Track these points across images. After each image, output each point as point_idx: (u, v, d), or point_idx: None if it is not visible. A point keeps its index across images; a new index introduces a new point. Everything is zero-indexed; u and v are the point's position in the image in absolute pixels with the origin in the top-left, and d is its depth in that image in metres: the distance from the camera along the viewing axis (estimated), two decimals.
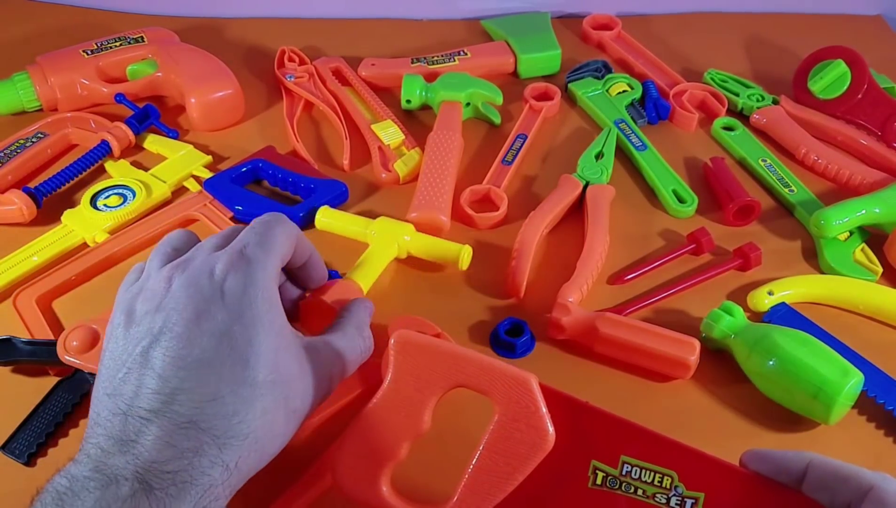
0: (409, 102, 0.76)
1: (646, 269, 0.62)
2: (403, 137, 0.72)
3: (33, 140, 0.70)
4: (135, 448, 0.34)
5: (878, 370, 0.54)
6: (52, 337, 0.55)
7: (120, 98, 0.75)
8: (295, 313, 0.49)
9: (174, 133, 0.73)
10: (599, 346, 0.55)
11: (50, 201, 0.66)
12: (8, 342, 0.53)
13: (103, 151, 0.70)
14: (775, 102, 0.78)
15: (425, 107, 0.77)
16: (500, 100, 0.76)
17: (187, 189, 0.68)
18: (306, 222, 0.65)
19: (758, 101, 0.77)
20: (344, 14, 0.92)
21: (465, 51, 0.83)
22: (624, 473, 0.39)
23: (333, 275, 0.57)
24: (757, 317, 0.58)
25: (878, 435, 0.52)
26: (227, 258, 0.40)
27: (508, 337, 0.55)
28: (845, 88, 0.75)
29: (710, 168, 0.70)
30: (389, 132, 0.72)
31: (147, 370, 0.36)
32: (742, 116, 0.78)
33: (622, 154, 0.73)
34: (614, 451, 0.39)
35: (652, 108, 0.77)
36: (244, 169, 0.68)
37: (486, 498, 0.40)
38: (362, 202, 0.68)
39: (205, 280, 0.38)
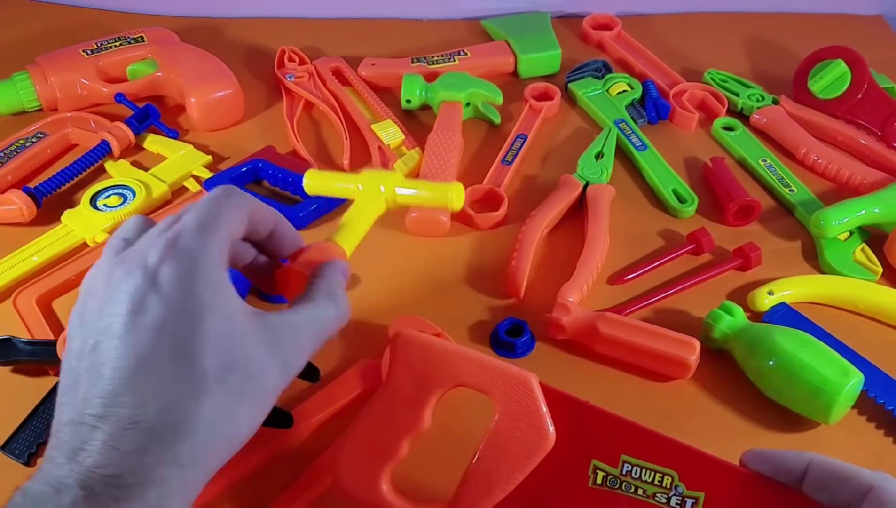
0: (409, 102, 0.76)
1: (646, 269, 0.62)
2: (403, 137, 0.72)
3: (33, 140, 0.70)
4: (79, 456, 0.32)
5: (878, 370, 0.54)
6: (52, 337, 0.55)
7: (120, 98, 0.75)
8: (273, 285, 0.47)
9: (174, 133, 0.73)
10: (599, 346, 0.55)
11: (50, 201, 0.66)
12: (8, 342, 0.53)
13: (103, 151, 0.70)
14: (775, 102, 0.78)
15: (425, 107, 0.77)
16: (500, 100, 0.76)
17: (187, 189, 0.68)
18: (306, 223, 0.65)
19: (758, 101, 0.77)
20: (344, 14, 0.92)
21: (465, 51, 0.83)
22: (624, 472, 0.39)
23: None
24: (757, 317, 0.58)
25: (878, 435, 0.52)
26: (162, 245, 0.37)
27: (508, 337, 0.55)
28: (845, 88, 0.75)
29: (710, 168, 0.70)
30: (389, 132, 0.72)
31: (93, 374, 0.35)
32: (742, 116, 0.78)
33: (622, 154, 0.73)
34: (615, 450, 0.39)
35: (652, 108, 0.77)
36: (244, 169, 0.68)
37: (486, 497, 0.40)
38: None
39: (138, 272, 0.36)
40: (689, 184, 0.69)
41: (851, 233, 0.64)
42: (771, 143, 0.75)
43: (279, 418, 0.49)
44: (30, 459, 0.48)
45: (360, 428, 0.43)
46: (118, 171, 0.69)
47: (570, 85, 0.80)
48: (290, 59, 0.81)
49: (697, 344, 0.53)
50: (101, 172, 0.70)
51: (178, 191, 0.68)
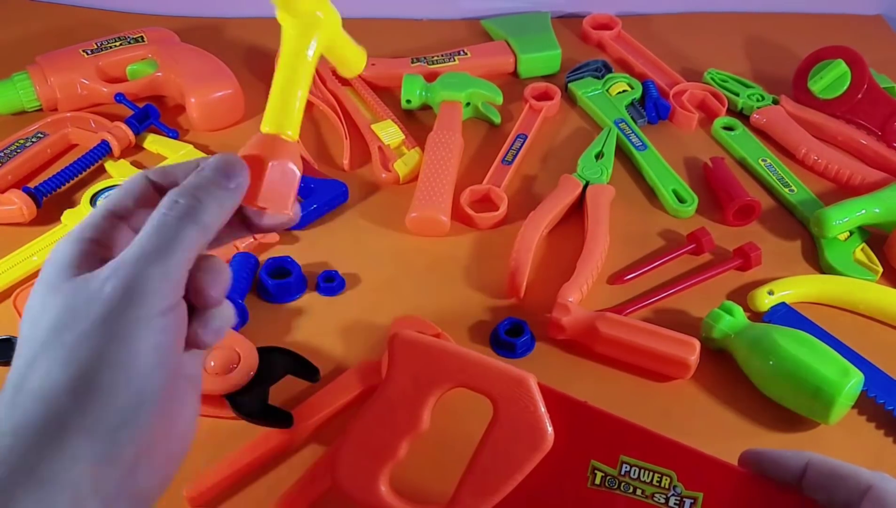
0: (409, 101, 0.76)
1: (646, 269, 0.62)
2: (403, 136, 0.72)
3: (33, 140, 0.70)
4: None
5: (878, 370, 0.54)
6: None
7: (120, 98, 0.75)
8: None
9: (174, 133, 0.73)
10: (599, 346, 0.55)
11: (50, 201, 0.66)
12: (8, 342, 0.53)
13: (103, 151, 0.70)
14: (775, 102, 0.78)
15: (425, 107, 0.77)
16: (500, 100, 0.76)
17: None
18: (305, 223, 0.65)
19: (758, 101, 0.77)
20: (344, 14, 0.91)
21: (465, 51, 0.83)
22: (623, 473, 0.39)
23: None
24: (757, 317, 0.58)
25: (878, 435, 0.52)
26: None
27: (508, 337, 0.55)
28: (845, 88, 0.75)
29: (710, 168, 0.70)
30: (389, 132, 0.72)
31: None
32: (742, 116, 0.78)
33: (622, 154, 0.73)
34: (613, 451, 0.40)
35: (652, 108, 0.77)
36: None
37: (485, 498, 0.40)
38: (362, 202, 0.68)
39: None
40: (689, 184, 0.69)
41: (851, 233, 0.64)
42: (771, 143, 0.75)
43: (279, 418, 0.49)
44: None
45: (359, 429, 0.43)
46: (118, 171, 0.69)
47: (570, 85, 0.80)
48: None
49: (697, 344, 0.53)
50: (101, 172, 0.70)
51: None
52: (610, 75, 0.80)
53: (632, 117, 0.76)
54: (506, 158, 0.71)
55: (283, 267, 0.59)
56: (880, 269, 0.62)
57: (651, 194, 0.70)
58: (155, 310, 0.33)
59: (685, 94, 0.78)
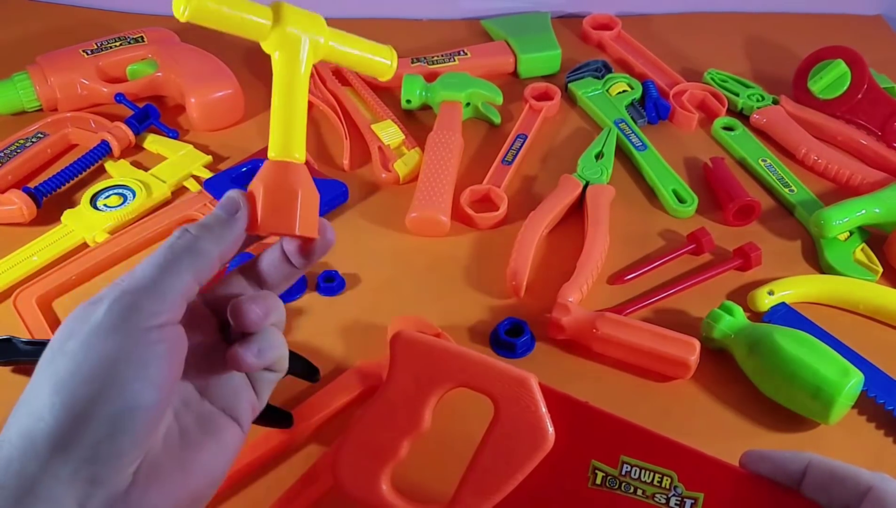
0: (409, 102, 0.76)
1: (646, 269, 0.62)
2: (403, 137, 0.72)
3: (33, 140, 0.70)
4: None
5: (878, 370, 0.54)
6: (51, 337, 0.55)
7: (120, 98, 0.75)
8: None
9: (174, 133, 0.73)
10: (599, 346, 0.55)
11: (50, 201, 0.66)
12: (8, 342, 0.53)
13: (103, 151, 0.70)
14: (775, 102, 0.78)
15: (425, 107, 0.77)
16: (500, 100, 0.76)
17: (187, 189, 0.68)
18: None
19: (758, 101, 0.77)
20: (344, 14, 0.92)
21: (465, 51, 0.83)
22: (623, 473, 0.39)
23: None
24: (757, 317, 0.58)
25: (878, 435, 0.52)
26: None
27: (508, 337, 0.55)
28: (845, 88, 0.75)
29: (710, 168, 0.70)
30: (389, 132, 0.72)
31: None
32: (742, 116, 0.78)
33: (622, 154, 0.73)
34: (614, 451, 0.40)
35: (652, 108, 0.77)
36: (244, 169, 0.68)
37: (485, 498, 0.40)
38: (362, 202, 0.68)
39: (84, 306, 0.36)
40: (689, 184, 0.69)
41: (851, 233, 0.64)
42: (771, 143, 0.75)
43: (279, 418, 0.49)
44: None
45: (360, 428, 0.43)
46: (118, 171, 0.69)
47: (570, 85, 0.80)
48: None
49: (697, 344, 0.53)
50: (101, 172, 0.70)
51: (179, 191, 0.68)
52: (610, 75, 0.80)
53: (632, 117, 0.76)
54: (506, 158, 0.71)
55: None
56: (880, 269, 0.62)
57: (651, 194, 0.70)
58: (141, 326, 0.33)
59: (685, 94, 0.78)
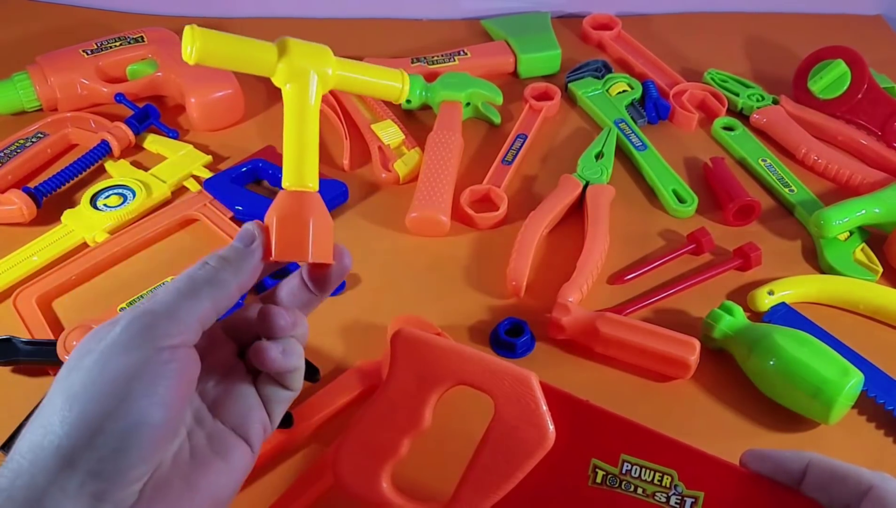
0: (409, 101, 0.76)
1: (646, 269, 0.62)
2: (403, 136, 0.72)
3: (33, 140, 0.70)
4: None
5: (878, 370, 0.54)
6: (52, 337, 0.55)
7: (120, 98, 0.75)
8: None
9: (174, 133, 0.73)
10: (599, 346, 0.55)
11: (50, 201, 0.66)
12: (8, 342, 0.53)
13: (103, 151, 0.70)
14: (775, 102, 0.78)
15: (425, 107, 0.77)
16: (500, 100, 0.76)
17: (187, 189, 0.68)
18: None
19: (758, 101, 0.77)
20: (344, 14, 0.92)
21: (465, 51, 0.83)
22: (624, 471, 0.39)
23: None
24: (757, 317, 0.58)
25: (878, 435, 0.52)
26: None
27: (508, 337, 0.55)
28: (845, 88, 0.75)
29: (710, 168, 0.70)
30: (389, 132, 0.72)
31: None
32: (742, 116, 0.78)
33: (622, 154, 0.73)
34: (614, 449, 0.40)
35: (652, 108, 0.77)
36: (244, 169, 0.68)
37: (486, 496, 0.40)
38: (362, 202, 0.68)
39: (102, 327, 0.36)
40: (689, 184, 0.69)
41: (851, 233, 0.64)
42: (771, 143, 0.75)
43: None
44: None
45: (361, 426, 0.43)
46: (118, 171, 0.69)
47: (570, 85, 0.80)
48: None
49: (697, 344, 0.53)
50: (101, 172, 0.70)
51: (179, 191, 0.68)
52: (610, 75, 0.80)
53: (632, 117, 0.76)
54: (506, 158, 0.71)
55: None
56: (880, 269, 0.62)
57: (651, 193, 0.70)
58: (155, 345, 0.34)
59: (685, 94, 0.79)
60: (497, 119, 0.77)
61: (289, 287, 0.42)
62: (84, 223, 0.63)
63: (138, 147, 0.73)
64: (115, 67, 0.77)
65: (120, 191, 0.66)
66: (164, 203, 0.67)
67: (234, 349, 0.42)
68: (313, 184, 0.41)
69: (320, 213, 0.40)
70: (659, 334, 0.54)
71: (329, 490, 0.47)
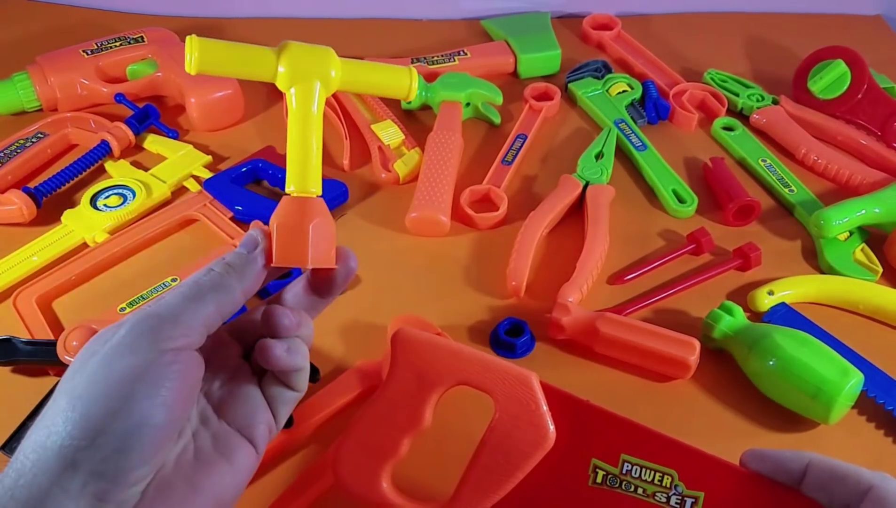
0: (409, 102, 0.76)
1: (646, 269, 0.62)
2: (403, 137, 0.72)
3: (33, 140, 0.70)
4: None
5: (878, 370, 0.54)
6: (52, 337, 0.55)
7: (120, 98, 0.75)
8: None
9: (174, 133, 0.73)
10: (599, 346, 0.55)
11: (50, 201, 0.66)
12: (8, 342, 0.53)
13: (103, 151, 0.70)
14: (775, 102, 0.78)
15: (425, 107, 0.77)
16: (500, 100, 0.76)
17: (187, 189, 0.68)
18: None
19: (758, 101, 0.77)
20: (344, 14, 0.92)
21: (465, 51, 0.83)
22: (624, 471, 0.39)
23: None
24: (757, 317, 0.58)
25: (878, 435, 0.52)
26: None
27: (508, 337, 0.55)
28: (845, 88, 0.75)
29: (710, 168, 0.70)
30: (389, 132, 0.72)
31: None
32: (742, 116, 0.78)
33: (622, 154, 0.73)
34: (615, 449, 0.40)
35: (652, 108, 0.77)
36: (244, 169, 0.68)
37: (486, 496, 0.40)
38: (362, 202, 0.68)
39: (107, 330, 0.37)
40: (689, 184, 0.69)
41: (851, 233, 0.64)
42: (771, 143, 0.75)
43: None
44: None
45: (361, 426, 0.43)
46: (118, 171, 0.69)
47: (570, 85, 0.80)
48: None
49: (697, 344, 0.53)
50: (101, 172, 0.70)
51: (179, 191, 0.68)
52: (610, 75, 0.80)
53: (632, 117, 0.76)
54: (506, 158, 0.71)
55: None
56: (880, 269, 0.62)
57: (651, 194, 0.70)
58: (158, 347, 0.34)
59: (685, 94, 0.79)
60: (497, 119, 0.77)
61: (294, 291, 0.43)
62: (84, 223, 0.63)
63: (138, 147, 0.73)
64: (115, 67, 0.77)
65: (120, 191, 0.66)
66: (164, 203, 0.67)
67: (240, 350, 0.42)
68: (316, 189, 0.41)
69: (322, 219, 0.40)
70: (659, 334, 0.54)
71: (329, 490, 0.47)
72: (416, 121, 0.77)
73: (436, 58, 0.82)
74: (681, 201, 0.67)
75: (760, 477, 0.37)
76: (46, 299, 0.59)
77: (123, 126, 0.71)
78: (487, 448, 0.41)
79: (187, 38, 0.40)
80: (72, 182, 0.68)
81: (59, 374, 0.52)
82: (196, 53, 0.39)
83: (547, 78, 0.83)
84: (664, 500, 0.38)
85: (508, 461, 0.40)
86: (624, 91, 0.79)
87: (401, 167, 0.69)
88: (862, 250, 0.63)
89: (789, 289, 0.59)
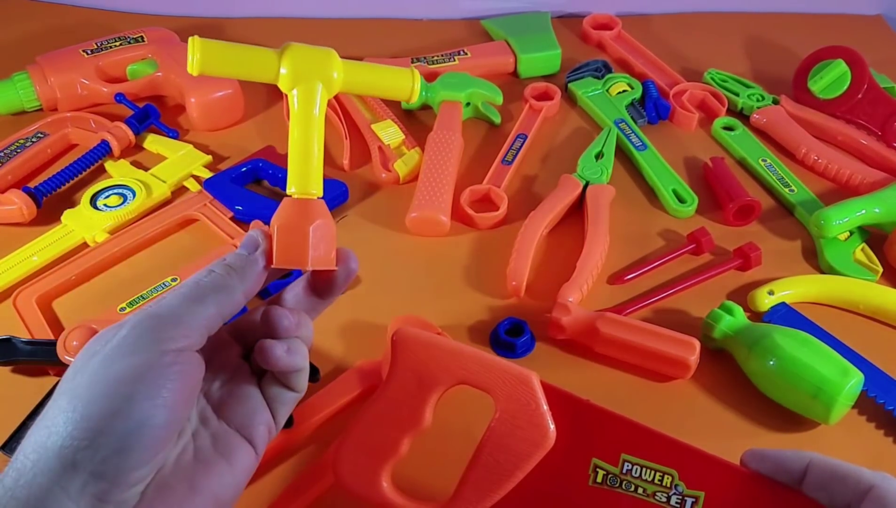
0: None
1: (646, 269, 0.62)
2: (403, 136, 0.72)
3: (33, 140, 0.70)
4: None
5: (878, 370, 0.54)
6: (52, 337, 0.55)
7: (120, 98, 0.75)
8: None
9: (174, 133, 0.73)
10: (599, 346, 0.55)
11: (50, 201, 0.66)
12: (8, 342, 0.53)
13: (103, 150, 0.70)
14: (775, 102, 0.78)
15: (425, 107, 0.77)
16: (500, 100, 0.76)
17: (187, 189, 0.68)
18: None
19: (758, 101, 0.77)
20: (344, 14, 0.92)
21: (465, 51, 0.83)
22: (624, 471, 0.39)
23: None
24: (757, 317, 0.58)
25: (878, 435, 0.52)
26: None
27: (508, 337, 0.55)
28: (845, 87, 0.75)
29: (710, 168, 0.70)
30: (389, 132, 0.72)
31: None
32: (742, 115, 0.78)
33: (622, 154, 0.73)
34: (615, 449, 0.40)
35: (652, 108, 0.77)
36: (244, 169, 0.68)
37: (486, 495, 0.40)
38: (362, 202, 0.68)
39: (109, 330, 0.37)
40: (689, 184, 0.69)
41: (851, 233, 0.64)
42: (771, 143, 0.75)
43: None
44: None
45: (361, 426, 0.43)
46: (118, 171, 0.69)
47: (570, 85, 0.80)
48: None
49: (697, 344, 0.53)
50: (101, 172, 0.70)
51: (179, 191, 0.68)
52: (610, 75, 0.80)
53: (632, 117, 0.76)
54: (506, 158, 0.71)
55: None
56: (880, 269, 0.62)
57: (651, 194, 0.70)
58: (159, 348, 0.35)
59: (685, 94, 0.79)
60: (497, 119, 0.77)
61: (294, 292, 0.43)
62: (84, 223, 0.63)
63: (138, 147, 0.73)
64: (115, 67, 0.77)
65: (120, 191, 0.66)
66: (164, 203, 0.67)
67: (240, 351, 0.42)
68: (317, 191, 0.41)
69: (323, 221, 0.40)
70: (659, 334, 0.54)
71: (329, 489, 0.47)
72: (416, 121, 0.77)
73: (436, 58, 0.82)
74: (681, 200, 0.67)
75: (761, 477, 0.37)
76: (46, 299, 0.59)
77: (123, 126, 0.71)
78: (487, 448, 0.40)
79: (189, 39, 0.40)
80: (72, 182, 0.68)
81: (60, 374, 0.52)
82: (198, 55, 0.40)
83: (547, 78, 0.83)
84: (664, 500, 0.38)
85: (508, 460, 0.40)
86: (624, 91, 0.79)
87: (401, 167, 0.69)
88: (862, 249, 0.63)
89: (789, 289, 0.59)
